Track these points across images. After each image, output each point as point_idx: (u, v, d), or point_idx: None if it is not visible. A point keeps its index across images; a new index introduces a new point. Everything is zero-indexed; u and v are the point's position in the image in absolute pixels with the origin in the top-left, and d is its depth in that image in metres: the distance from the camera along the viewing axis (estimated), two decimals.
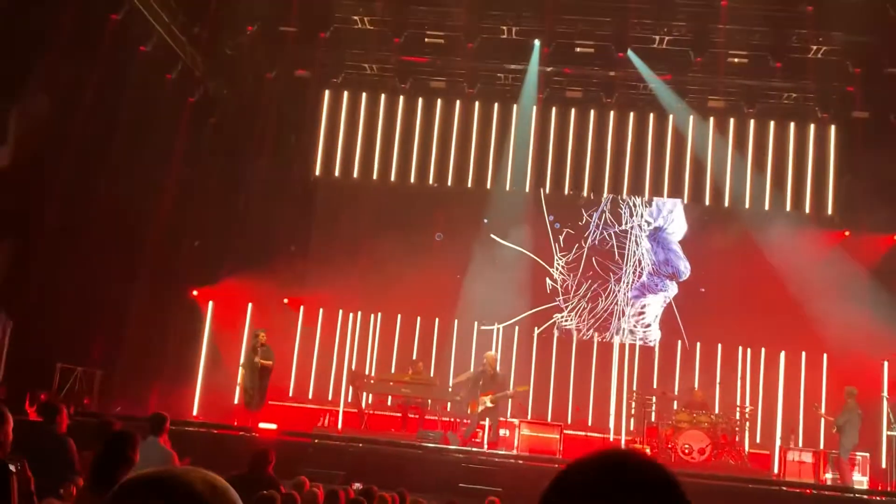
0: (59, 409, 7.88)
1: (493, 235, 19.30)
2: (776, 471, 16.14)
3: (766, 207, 19.01)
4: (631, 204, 19.45)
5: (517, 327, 19.02)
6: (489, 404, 15.64)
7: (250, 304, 18.70)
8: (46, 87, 15.45)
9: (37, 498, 5.11)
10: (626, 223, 19.36)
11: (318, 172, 20.16)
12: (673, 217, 19.30)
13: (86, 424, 9.53)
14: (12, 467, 4.58)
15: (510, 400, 17.19)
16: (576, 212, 19.60)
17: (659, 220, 19.33)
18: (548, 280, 19.38)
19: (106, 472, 5.23)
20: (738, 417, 16.81)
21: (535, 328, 19.20)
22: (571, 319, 19.23)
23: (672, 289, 19.00)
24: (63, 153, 15.62)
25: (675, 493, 1.42)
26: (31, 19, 14.80)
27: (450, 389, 17.15)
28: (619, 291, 19.19)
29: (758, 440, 17.92)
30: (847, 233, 18.40)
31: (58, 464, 6.93)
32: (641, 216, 19.37)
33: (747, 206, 19.03)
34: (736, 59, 18.07)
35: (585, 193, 19.54)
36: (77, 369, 16.68)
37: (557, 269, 19.42)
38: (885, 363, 16.45)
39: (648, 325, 18.99)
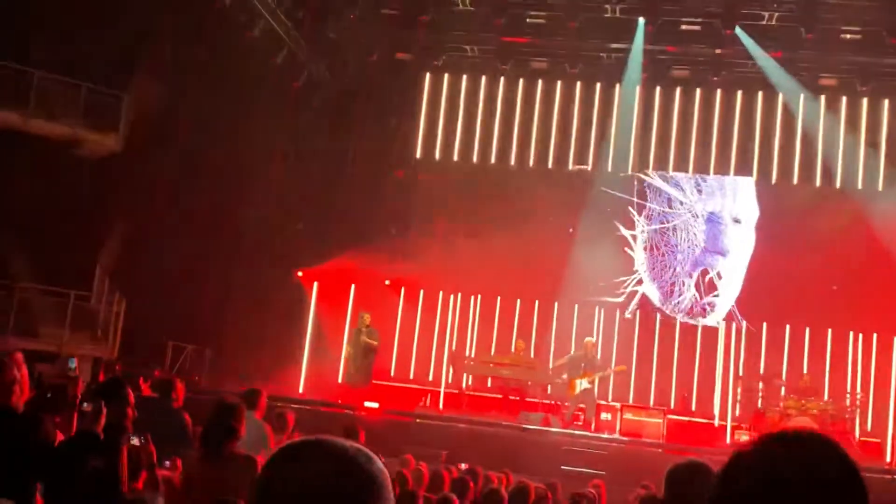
0: (175, 385, 8.11)
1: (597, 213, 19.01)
2: (889, 459, 15.61)
3: (880, 188, 18.31)
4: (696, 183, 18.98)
5: (618, 310, 18.82)
6: (587, 385, 15.55)
7: (353, 285, 18.96)
8: (156, 74, 15.93)
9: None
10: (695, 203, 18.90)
11: (418, 155, 20.26)
12: (735, 197, 18.71)
13: (196, 401, 9.80)
14: (136, 441, 4.74)
15: (608, 380, 17.04)
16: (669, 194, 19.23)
17: (715, 200, 18.76)
18: (636, 259, 19.09)
19: (213, 442, 5.40)
20: (848, 404, 16.32)
21: (636, 311, 18.94)
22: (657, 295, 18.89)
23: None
24: (172, 138, 16.11)
25: (860, 494, 1.32)
26: (139, 8, 15.26)
27: (550, 372, 17.08)
28: (682, 271, 18.77)
29: (869, 428, 17.34)
30: None
31: (174, 437, 7.14)
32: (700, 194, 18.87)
33: (860, 186, 18.36)
34: (849, 36, 17.43)
35: (690, 174, 19.13)
36: (188, 347, 17.25)
37: (643, 247, 19.10)
38: None
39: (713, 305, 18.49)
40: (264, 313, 18.04)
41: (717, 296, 18.61)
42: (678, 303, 18.77)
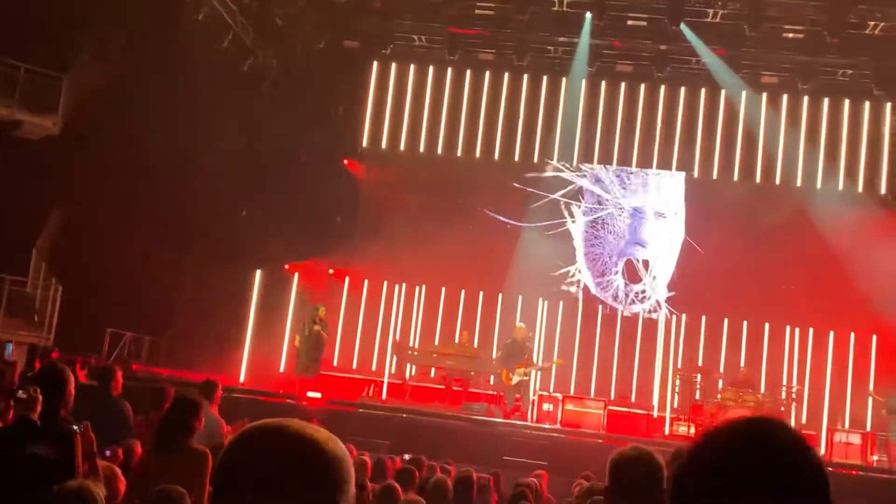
0: (115, 373, 7.99)
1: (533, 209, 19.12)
2: (822, 451, 15.96)
3: (819, 185, 18.72)
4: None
5: (561, 302, 18.97)
6: (524, 377, 15.66)
7: (296, 274, 18.85)
8: (98, 57, 15.63)
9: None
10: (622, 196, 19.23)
11: (364, 144, 20.18)
12: (659, 192, 19.07)
13: (135, 389, 9.66)
14: (76, 428, 4.66)
15: (548, 372, 17.22)
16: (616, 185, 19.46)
17: (639, 195, 19.11)
18: (577, 251, 19.29)
19: (170, 437, 5.35)
20: (784, 397, 16.68)
21: (578, 302, 19.12)
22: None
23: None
24: (115, 122, 15.81)
25: (824, 489, 1.32)
26: None
27: (493, 362, 17.15)
28: (610, 261, 19.10)
29: (804, 421, 17.74)
30: None
31: (114, 427, 7.04)
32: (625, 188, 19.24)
33: (799, 183, 18.75)
34: (791, 35, 17.74)
35: (633, 168, 19.35)
36: (126, 334, 16.98)
37: (581, 238, 19.33)
38: None
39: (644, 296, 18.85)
40: (207, 301, 17.84)
41: (645, 285, 18.89)
42: (608, 290, 19.01)
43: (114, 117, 15.66)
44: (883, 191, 18.70)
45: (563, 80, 19.35)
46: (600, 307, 19.09)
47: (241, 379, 17.41)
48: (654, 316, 18.85)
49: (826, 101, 18.91)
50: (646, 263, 18.98)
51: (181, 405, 5.43)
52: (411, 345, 18.36)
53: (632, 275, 18.98)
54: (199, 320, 17.54)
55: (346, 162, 19.86)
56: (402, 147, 20.04)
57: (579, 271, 19.09)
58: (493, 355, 17.34)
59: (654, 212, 19.05)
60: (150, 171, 16.12)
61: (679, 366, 18.05)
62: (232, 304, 18.34)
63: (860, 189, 18.68)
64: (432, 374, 17.76)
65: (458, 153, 19.91)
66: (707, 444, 1.37)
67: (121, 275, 15.87)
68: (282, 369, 18.02)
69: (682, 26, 17.50)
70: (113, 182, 15.67)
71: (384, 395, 17.08)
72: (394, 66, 20.14)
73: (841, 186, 18.72)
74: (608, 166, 19.31)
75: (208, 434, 6.43)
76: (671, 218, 18.94)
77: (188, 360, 16.75)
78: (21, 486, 4.18)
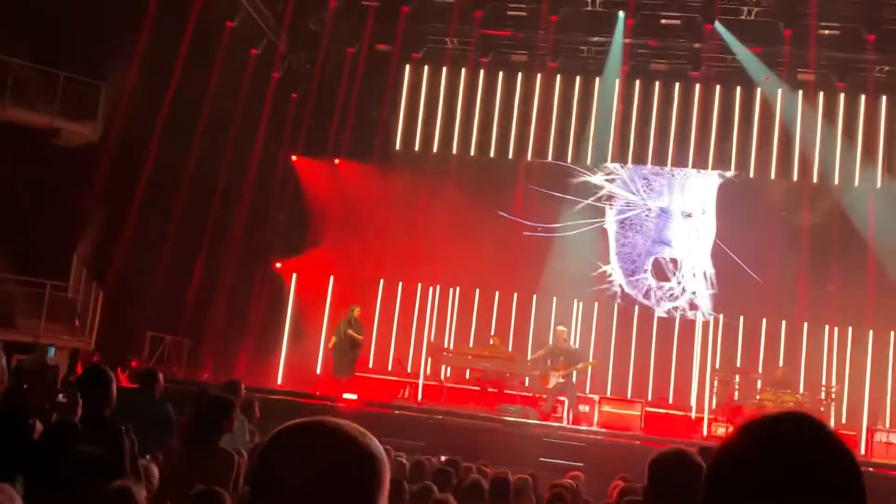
0: (157, 376, 8.07)
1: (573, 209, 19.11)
2: (863, 451, 15.78)
3: (856, 183, 18.51)
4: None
5: (596, 303, 18.91)
6: (560, 379, 15.62)
7: (332, 277, 18.95)
8: (136, 65, 15.81)
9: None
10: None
11: (398, 146, 20.25)
12: (687, 191, 18.98)
13: (174, 391, 9.77)
14: (123, 428, 4.74)
15: (584, 373, 17.13)
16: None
17: (665, 195, 19.05)
18: (610, 251, 19.27)
19: (203, 437, 5.42)
20: (823, 397, 16.50)
21: (615, 302, 19.07)
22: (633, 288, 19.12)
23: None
24: (151, 129, 16.00)
25: (859, 489, 1.28)
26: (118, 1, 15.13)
27: (528, 364, 17.14)
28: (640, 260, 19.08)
29: (843, 420, 17.54)
30: None
31: (158, 429, 7.13)
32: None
33: (836, 181, 18.55)
34: (827, 32, 17.56)
35: (667, 167, 19.28)
36: (166, 338, 17.18)
37: (614, 238, 19.31)
38: None
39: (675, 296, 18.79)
40: (244, 304, 18.00)
41: (675, 283, 18.82)
42: (640, 289, 18.96)
43: (150, 124, 15.84)
44: None
45: (597, 80, 19.30)
46: (636, 307, 19.02)
47: (279, 381, 17.52)
48: (690, 315, 18.75)
49: (863, 97, 18.69)
50: (674, 262, 18.92)
51: (215, 405, 5.49)
52: (446, 346, 18.38)
53: (660, 273, 18.94)
54: (236, 323, 17.70)
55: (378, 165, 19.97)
56: (435, 149, 20.09)
57: (612, 272, 19.06)
58: (528, 357, 17.33)
59: (680, 211, 18.98)
60: (187, 176, 16.30)
61: (717, 366, 17.92)
62: (268, 308, 18.49)
63: None
64: (467, 376, 17.77)
65: (492, 154, 19.93)
66: (740, 441, 1.34)
67: (159, 279, 16.06)
68: (318, 371, 18.11)
69: (717, 24, 17.40)
70: (150, 187, 15.87)
71: (419, 397, 17.12)
72: (426, 69, 20.21)
73: (879, 184, 18.49)
74: (634, 167, 19.26)
75: (235, 433, 6.50)
76: (699, 217, 18.87)
77: (227, 362, 16.90)
78: (71, 484, 4.26)
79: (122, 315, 16.33)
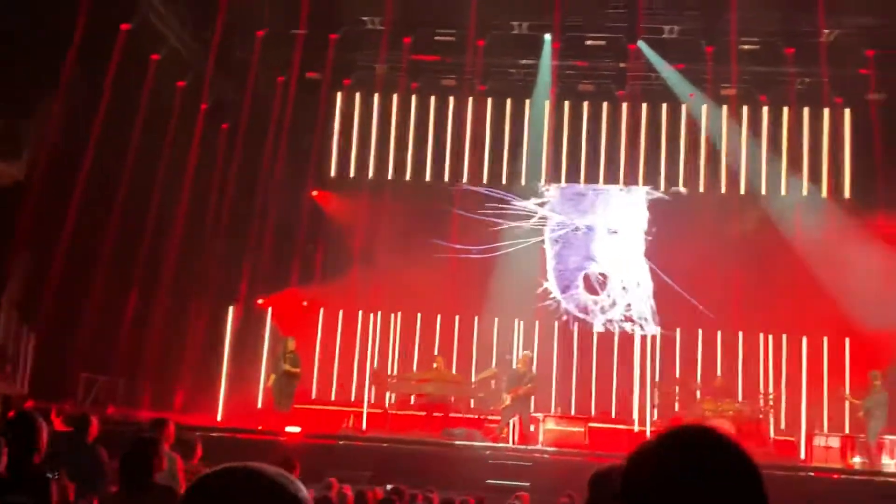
0: (89, 419, 7.91)
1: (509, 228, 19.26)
2: (803, 456, 16.07)
3: (783, 193, 18.95)
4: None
5: (536, 322, 19.02)
6: (508, 402, 15.63)
7: (270, 309, 18.76)
8: (61, 101, 15.53)
9: None
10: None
11: (332, 174, 20.20)
12: (615, 208, 19.38)
13: (111, 433, 9.56)
14: (50, 475, 4.62)
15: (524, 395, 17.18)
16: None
17: (595, 212, 19.45)
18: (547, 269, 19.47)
19: (134, 478, 5.30)
20: (762, 404, 16.78)
21: (557, 319, 19.21)
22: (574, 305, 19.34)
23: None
24: (79, 165, 15.70)
25: (758, 485, 1.36)
26: (42, 33, 14.87)
27: (472, 386, 17.14)
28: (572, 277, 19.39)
29: (783, 426, 17.86)
30: (865, 215, 18.29)
31: (90, 473, 6.96)
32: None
33: (763, 192, 18.97)
34: (747, 47, 17.99)
35: (595, 186, 19.58)
36: (100, 378, 16.79)
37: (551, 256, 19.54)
38: None
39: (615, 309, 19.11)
40: (181, 340, 17.69)
41: (606, 297, 19.10)
42: (576, 304, 19.20)
43: (78, 160, 15.55)
44: (847, 194, 18.94)
45: (527, 102, 19.53)
46: (576, 324, 19.17)
47: (219, 417, 17.25)
48: (629, 329, 18.96)
49: (785, 110, 19.18)
50: (604, 276, 19.19)
51: (138, 446, 5.40)
52: (390, 373, 18.31)
53: (591, 288, 19.22)
54: (173, 360, 17.39)
55: (314, 193, 19.85)
56: (370, 175, 20.08)
57: (552, 289, 19.22)
58: (473, 378, 17.36)
59: (605, 228, 19.32)
60: (116, 211, 16.03)
61: (657, 379, 18.13)
62: (206, 341, 18.21)
63: (824, 194, 18.91)
64: (412, 402, 17.70)
65: (427, 178, 19.99)
66: (642, 453, 1.46)
67: (92, 319, 15.72)
68: (259, 404, 17.88)
69: (640, 44, 17.73)
70: (80, 225, 15.55)
71: (364, 426, 16.99)
72: (358, 95, 20.23)
73: (805, 193, 18.96)
74: (562, 187, 19.56)
75: (164, 472, 6.37)
76: (626, 233, 19.21)
77: (164, 400, 16.60)
78: None
79: (55, 358, 15.90)
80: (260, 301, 18.93)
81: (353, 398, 18.71)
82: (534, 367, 16.34)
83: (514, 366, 16.27)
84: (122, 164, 16.14)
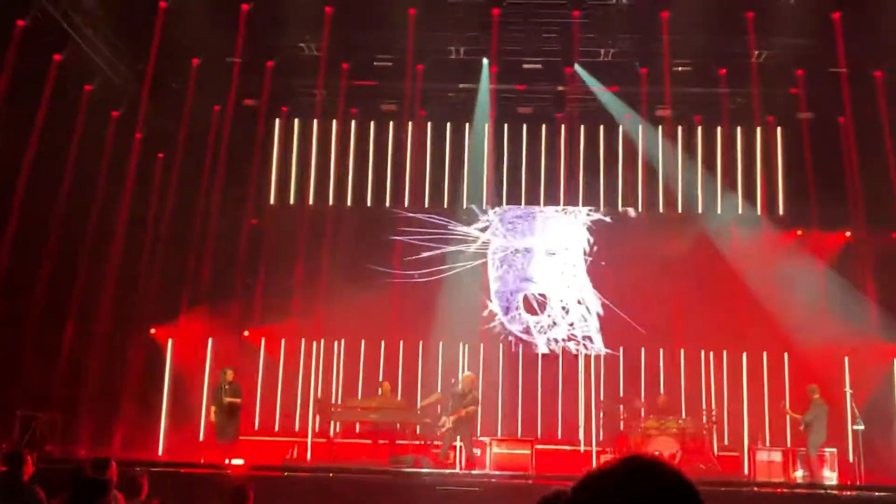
0: (23, 457, 7.70)
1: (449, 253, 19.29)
2: (746, 471, 16.24)
3: (719, 211, 19.27)
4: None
5: (482, 345, 19.00)
6: (450, 424, 15.54)
7: (210, 339, 18.47)
8: None
9: None
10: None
11: (272, 201, 20.03)
12: (553, 230, 19.62)
13: (50, 471, 9.30)
14: None
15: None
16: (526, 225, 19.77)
17: (534, 234, 19.67)
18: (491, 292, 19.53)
19: None
20: (705, 421, 16.95)
21: (501, 341, 19.23)
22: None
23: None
24: (11, 197, 15.36)
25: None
26: None
27: (418, 412, 17.04)
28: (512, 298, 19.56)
29: (726, 442, 18.05)
30: (799, 231, 18.70)
31: None
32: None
33: (700, 210, 19.27)
34: (680, 68, 18.31)
35: (533, 209, 19.73)
36: (38, 416, 16.34)
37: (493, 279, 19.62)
38: (846, 359, 16.70)
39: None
40: (119, 374, 17.33)
41: (546, 317, 19.21)
42: (518, 325, 19.27)
43: (9, 193, 15.20)
44: (781, 211, 19.32)
45: (467, 126, 19.62)
46: (521, 346, 19.21)
47: (160, 451, 16.90)
48: (572, 348, 19.06)
49: (719, 129, 19.55)
50: (543, 297, 19.30)
51: (89, 487, 5.24)
52: (334, 401, 18.12)
53: (530, 308, 19.32)
54: (111, 394, 17.01)
55: (253, 221, 19.64)
56: (310, 202, 19.94)
57: (495, 311, 19.27)
58: (419, 404, 17.25)
59: (543, 250, 19.47)
60: (50, 244, 15.69)
61: (602, 398, 18.22)
62: (144, 376, 17.85)
63: (759, 211, 19.27)
64: (357, 430, 17.53)
65: (368, 204, 19.94)
66: (586, 483, 1.50)
67: (27, 355, 15.33)
68: (201, 437, 17.56)
69: (577, 67, 17.94)
70: (11, 260, 15.17)
71: (309, 456, 16.77)
72: (296, 121, 20.13)
73: (740, 210, 19.31)
74: (500, 211, 19.66)
75: None
76: (563, 254, 19.37)
77: (103, 436, 16.21)
78: None
79: None
80: (199, 333, 18.60)
81: (297, 428, 18.45)
82: (479, 388, 16.24)
83: (459, 388, 16.21)
84: (55, 197, 15.83)
